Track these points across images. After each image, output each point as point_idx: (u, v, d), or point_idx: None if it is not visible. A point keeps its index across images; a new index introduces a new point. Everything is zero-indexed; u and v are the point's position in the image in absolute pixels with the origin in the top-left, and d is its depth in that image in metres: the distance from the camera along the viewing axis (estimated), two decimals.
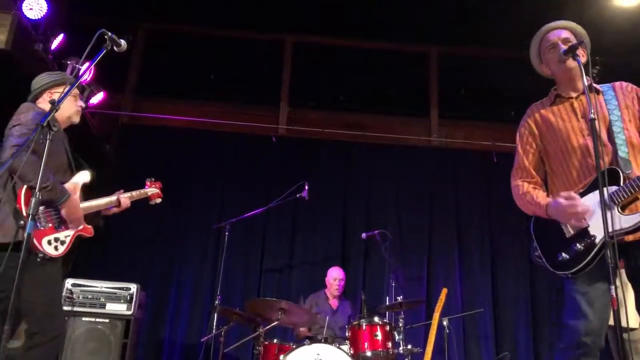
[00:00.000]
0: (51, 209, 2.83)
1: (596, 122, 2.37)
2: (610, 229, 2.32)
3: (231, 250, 5.74)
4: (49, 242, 2.78)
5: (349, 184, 6.88)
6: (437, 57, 7.58)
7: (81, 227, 2.98)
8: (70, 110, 3.15)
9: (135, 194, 3.37)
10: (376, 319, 4.63)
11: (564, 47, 2.61)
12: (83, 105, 3.27)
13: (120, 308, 4.70)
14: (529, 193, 2.68)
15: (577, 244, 2.49)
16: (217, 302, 4.89)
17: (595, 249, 2.44)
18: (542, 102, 2.82)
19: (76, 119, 3.22)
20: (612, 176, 2.46)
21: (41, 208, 2.76)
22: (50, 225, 2.81)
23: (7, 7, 4.55)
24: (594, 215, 2.47)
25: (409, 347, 4.66)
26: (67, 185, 2.94)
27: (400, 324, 4.77)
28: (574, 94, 2.70)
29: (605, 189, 2.29)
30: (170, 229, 6.43)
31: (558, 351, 2.51)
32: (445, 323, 4.93)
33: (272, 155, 6.87)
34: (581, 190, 2.55)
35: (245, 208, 5.61)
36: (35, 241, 2.69)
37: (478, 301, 6.26)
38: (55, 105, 2.49)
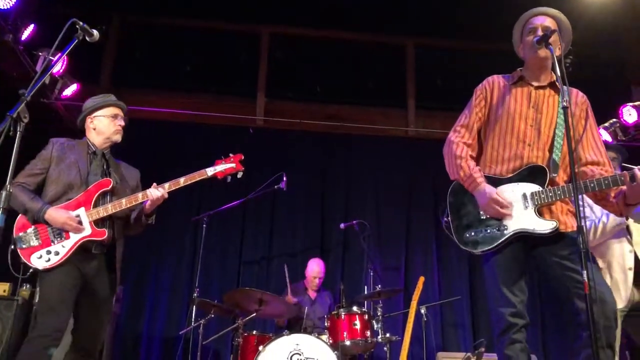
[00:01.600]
0: (46, 225, 3.02)
1: (568, 110, 2.40)
2: (525, 226, 2.51)
3: (209, 243, 5.72)
4: (39, 257, 2.98)
5: (327, 175, 6.89)
6: (414, 49, 7.60)
7: (85, 233, 3.03)
8: (108, 130, 3.29)
9: (184, 179, 3.27)
10: (355, 308, 4.67)
11: (539, 34, 2.65)
12: (123, 124, 3.33)
13: None
14: (465, 160, 2.72)
15: (489, 229, 2.60)
16: (195, 294, 4.87)
17: (503, 239, 2.55)
18: (505, 77, 2.87)
19: (116, 138, 3.33)
20: (539, 174, 2.58)
21: (31, 228, 3.03)
22: (40, 242, 3.01)
23: None
24: (512, 207, 2.57)
25: (388, 335, 4.71)
26: (78, 198, 3.08)
27: (379, 313, 4.81)
28: (535, 84, 2.76)
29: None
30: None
31: (495, 339, 2.60)
32: (423, 311, 4.98)
33: (250, 146, 6.79)
34: (510, 175, 2.64)
35: (223, 200, 5.58)
36: (24, 259, 2.99)
37: (455, 290, 6.34)
38: (25, 96, 2.44)
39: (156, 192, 3.15)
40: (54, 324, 2.89)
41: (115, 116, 3.31)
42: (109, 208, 3.09)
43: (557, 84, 2.72)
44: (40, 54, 5.17)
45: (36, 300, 4.12)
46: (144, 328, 6.06)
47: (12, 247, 2.99)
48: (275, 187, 5.46)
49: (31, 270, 3.00)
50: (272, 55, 7.42)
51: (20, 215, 3.05)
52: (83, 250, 3.04)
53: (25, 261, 2.98)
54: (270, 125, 7.02)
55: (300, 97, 7.36)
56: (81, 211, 3.07)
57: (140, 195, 3.16)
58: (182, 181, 3.25)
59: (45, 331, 2.87)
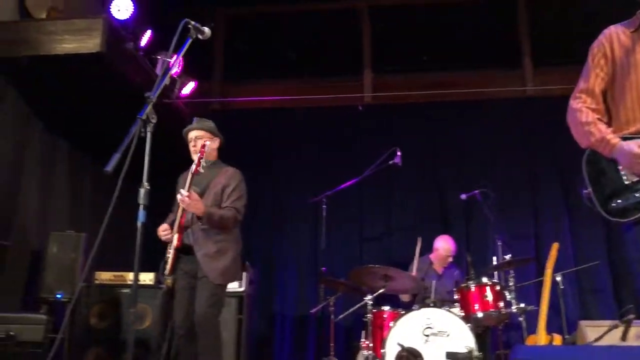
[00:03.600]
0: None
1: None
2: None
3: (330, 222, 5.82)
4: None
5: (442, 145, 6.70)
6: (524, 4, 7.14)
7: (174, 242, 3.58)
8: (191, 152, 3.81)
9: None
10: (485, 279, 4.53)
11: None
12: (195, 145, 3.74)
13: (232, 285, 4.84)
14: (594, 124, 2.45)
15: (637, 193, 2.33)
16: (322, 273, 4.99)
17: None
18: (624, 24, 2.54)
19: (195, 158, 3.63)
20: None
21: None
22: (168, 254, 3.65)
23: (98, 12, 4.80)
24: None
25: (522, 305, 4.53)
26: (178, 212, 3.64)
27: (511, 283, 4.63)
28: None
29: None
30: (268, 208, 6.59)
31: None
32: (558, 279, 4.73)
33: (361, 124, 6.82)
34: None
35: (339, 179, 5.64)
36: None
37: (590, 254, 5.92)
38: (150, 97, 2.60)
39: (179, 196, 3.48)
40: (178, 321, 3.59)
41: (190, 140, 3.80)
42: (177, 219, 3.60)
43: None
44: (158, 57, 5.50)
45: None
46: (276, 308, 6.33)
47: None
48: (390, 162, 5.42)
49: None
50: (374, 29, 7.30)
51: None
52: (181, 254, 3.61)
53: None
54: (379, 101, 6.95)
55: (407, 69, 7.20)
56: (175, 224, 3.62)
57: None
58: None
59: (176, 327, 3.60)
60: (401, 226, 6.46)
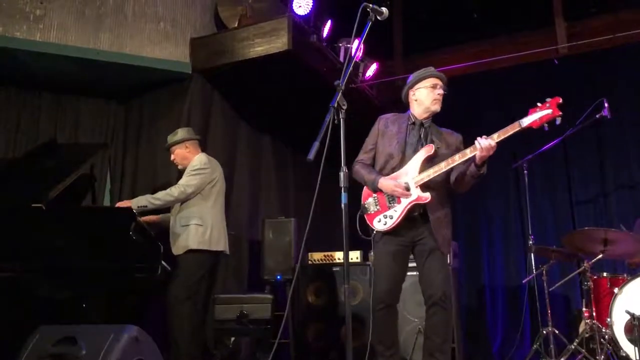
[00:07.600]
0: (383, 193, 3.33)
1: None
2: None
3: (534, 188, 5.52)
4: (379, 221, 3.32)
5: None
6: None
7: (413, 197, 3.25)
8: (427, 100, 3.42)
9: (497, 135, 3.17)
10: None
11: None
12: (441, 92, 3.43)
13: None
14: None
15: None
16: (530, 242, 4.78)
17: None
18: None
19: (435, 108, 3.42)
20: None
21: (372, 197, 3.38)
22: (379, 208, 3.34)
23: (282, 12, 5.10)
24: None
25: None
26: (406, 166, 3.32)
27: None
28: None
29: None
30: None
31: None
32: None
33: (557, 79, 6.28)
34: None
35: (540, 141, 5.28)
36: (368, 223, 3.36)
37: None
38: (340, 86, 2.71)
39: (485, 142, 3.11)
40: (382, 288, 3.25)
41: (434, 86, 3.41)
42: (431, 173, 3.24)
43: None
44: (340, 45, 5.67)
45: None
46: (485, 281, 6.20)
47: (360, 213, 3.36)
48: (597, 116, 4.93)
49: (374, 232, 3.36)
50: None
51: (364, 187, 3.44)
52: (410, 212, 3.27)
53: (369, 225, 3.36)
54: (576, 50, 6.31)
55: (606, 8, 6.42)
56: (408, 178, 3.30)
57: (457, 155, 3.22)
58: (495, 137, 3.16)
59: (377, 294, 3.24)
60: (618, 184, 5.84)
